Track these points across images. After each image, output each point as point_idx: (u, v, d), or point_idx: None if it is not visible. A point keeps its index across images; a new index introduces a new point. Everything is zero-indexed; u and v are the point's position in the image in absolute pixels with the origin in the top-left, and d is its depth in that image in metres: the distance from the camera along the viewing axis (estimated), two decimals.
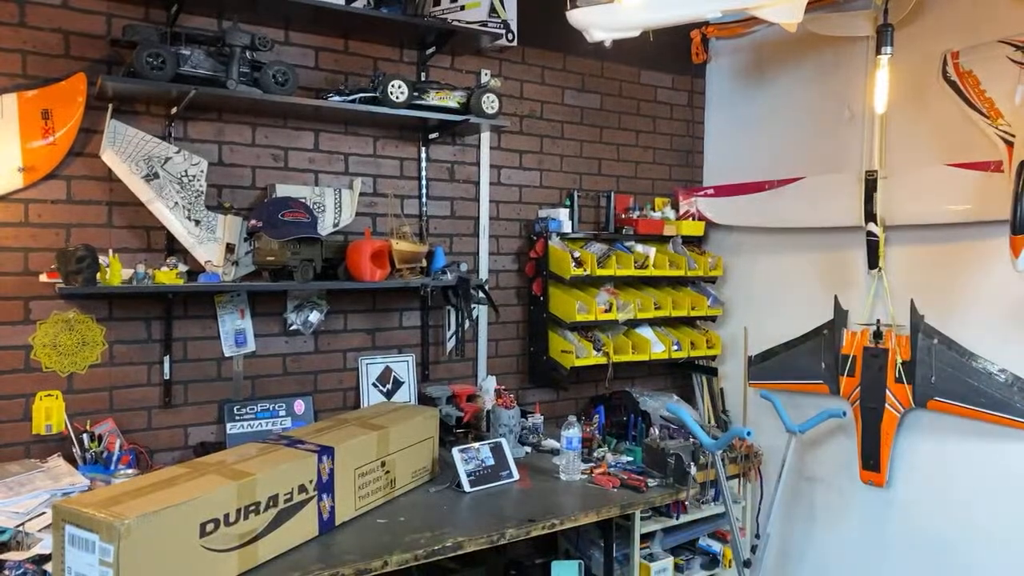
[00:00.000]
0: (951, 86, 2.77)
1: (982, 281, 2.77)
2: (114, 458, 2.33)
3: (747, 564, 2.83)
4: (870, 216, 2.97)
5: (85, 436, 2.36)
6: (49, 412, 2.39)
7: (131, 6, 2.48)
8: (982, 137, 2.67)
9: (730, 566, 3.08)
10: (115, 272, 2.31)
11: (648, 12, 2.46)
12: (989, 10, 2.72)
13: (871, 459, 3.02)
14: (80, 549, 1.56)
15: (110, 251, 2.38)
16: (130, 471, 2.28)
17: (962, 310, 2.82)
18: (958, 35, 2.81)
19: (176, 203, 2.45)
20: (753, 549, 2.95)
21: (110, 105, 2.42)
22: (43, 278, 2.33)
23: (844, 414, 3.04)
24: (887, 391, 2.96)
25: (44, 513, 1.96)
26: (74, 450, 2.35)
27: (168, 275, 2.38)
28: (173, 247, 2.54)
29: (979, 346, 2.77)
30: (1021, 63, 2.57)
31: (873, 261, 3.01)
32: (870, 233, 2.98)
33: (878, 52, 2.83)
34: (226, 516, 1.73)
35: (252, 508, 1.80)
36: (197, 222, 2.49)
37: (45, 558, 1.76)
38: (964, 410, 2.77)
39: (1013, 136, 2.48)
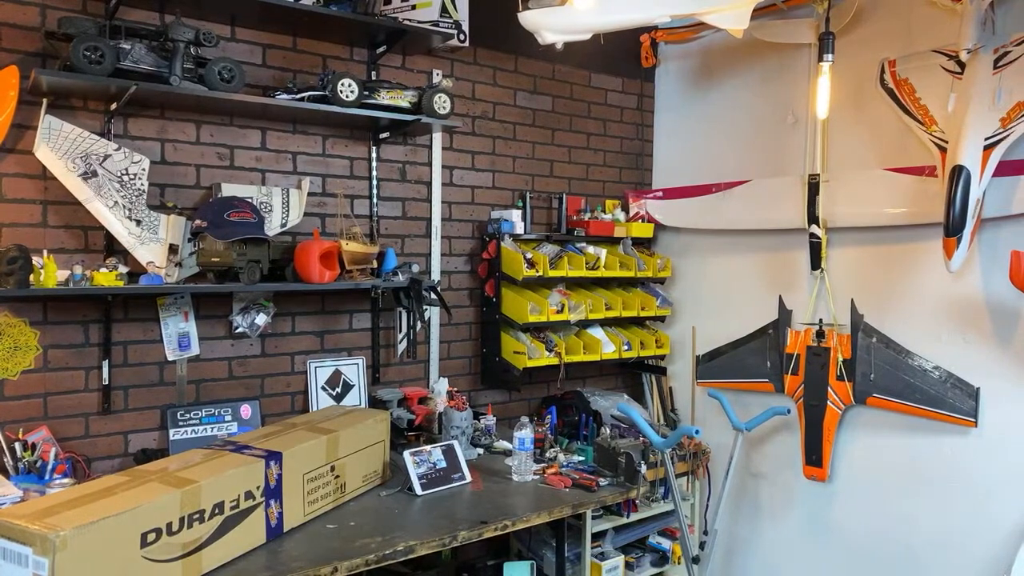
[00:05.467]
0: (888, 93, 2.87)
1: (918, 281, 2.87)
2: (49, 467, 2.24)
3: (696, 560, 2.88)
4: (813, 218, 3.06)
5: (17, 445, 2.26)
6: None
7: None
8: (918, 143, 2.77)
9: (679, 563, 3.13)
10: (50, 274, 2.22)
11: (599, 15, 2.49)
12: (924, 21, 2.83)
13: (814, 454, 3.11)
14: (13, 563, 1.49)
15: (45, 252, 2.29)
16: (66, 481, 2.20)
17: (899, 309, 2.92)
18: (895, 44, 2.91)
19: (116, 202, 2.37)
20: (701, 545, 3.00)
21: (44, 100, 2.33)
22: None
23: (788, 411, 3.11)
24: (829, 388, 3.05)
25: None
26: (5, 460, 2.25)
27: (107, 277, 2.29)
28: (113, 248, 2.46)
29: (915, 344, 2.87)
30: (953, 72, 2.68)
31: (816, 262, 3.09)
32: (813, 235, 3.07)
33: (820, 59, 2.92)
34: (169, 525, 1.69)
35: (196, 516, 1.75)
36: (138, 222, 2.41)
37: None
38: (901, 406, 2.87)
39: (946, 142, 2.58)
